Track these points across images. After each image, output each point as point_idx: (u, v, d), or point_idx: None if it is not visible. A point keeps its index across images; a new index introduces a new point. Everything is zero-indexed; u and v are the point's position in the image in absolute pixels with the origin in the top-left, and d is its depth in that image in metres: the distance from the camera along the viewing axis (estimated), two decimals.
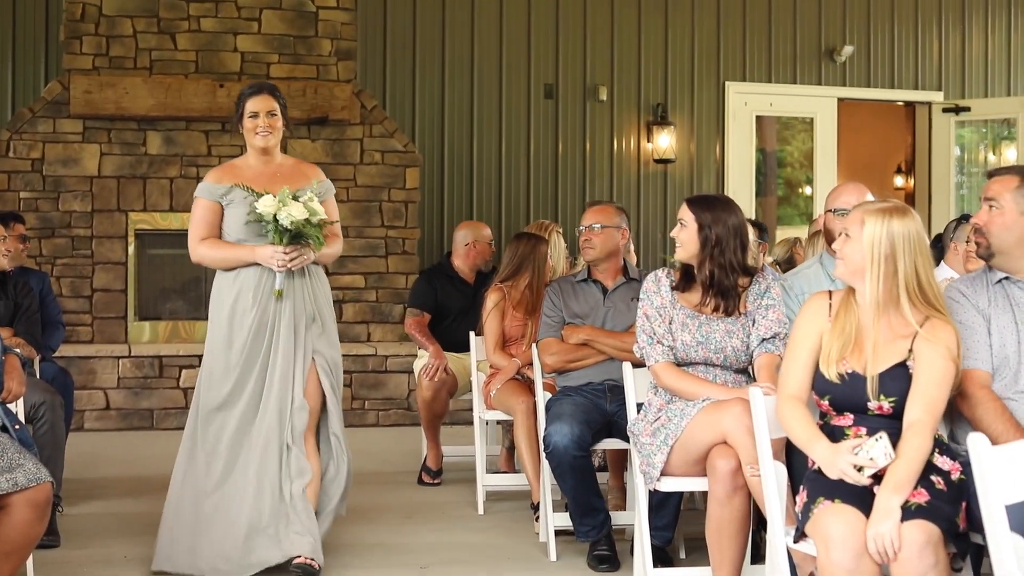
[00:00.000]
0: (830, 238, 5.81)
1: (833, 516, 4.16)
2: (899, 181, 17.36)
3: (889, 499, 4.13)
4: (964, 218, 7.76)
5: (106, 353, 10.73)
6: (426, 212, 12.47)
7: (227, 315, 6.02)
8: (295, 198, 5.89)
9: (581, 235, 6.71)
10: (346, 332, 10.45)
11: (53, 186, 11.14)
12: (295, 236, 5.90)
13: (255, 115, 6.06)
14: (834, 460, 4.26)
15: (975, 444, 3.79)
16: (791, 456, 4.80)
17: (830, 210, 5.95)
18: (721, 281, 5.43)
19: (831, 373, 4.45)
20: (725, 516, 5.11)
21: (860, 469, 4.19)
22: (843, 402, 4.45)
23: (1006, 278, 4.70)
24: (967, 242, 5.47)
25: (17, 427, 5.05)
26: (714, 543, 5.16)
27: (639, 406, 5.64)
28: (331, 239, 6.18)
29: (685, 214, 5.48)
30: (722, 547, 5.14)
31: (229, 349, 5.98)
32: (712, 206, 5.49)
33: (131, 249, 11.22)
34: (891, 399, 4.37)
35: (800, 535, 4.39)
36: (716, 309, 5.45)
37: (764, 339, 5.40)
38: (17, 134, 11.08)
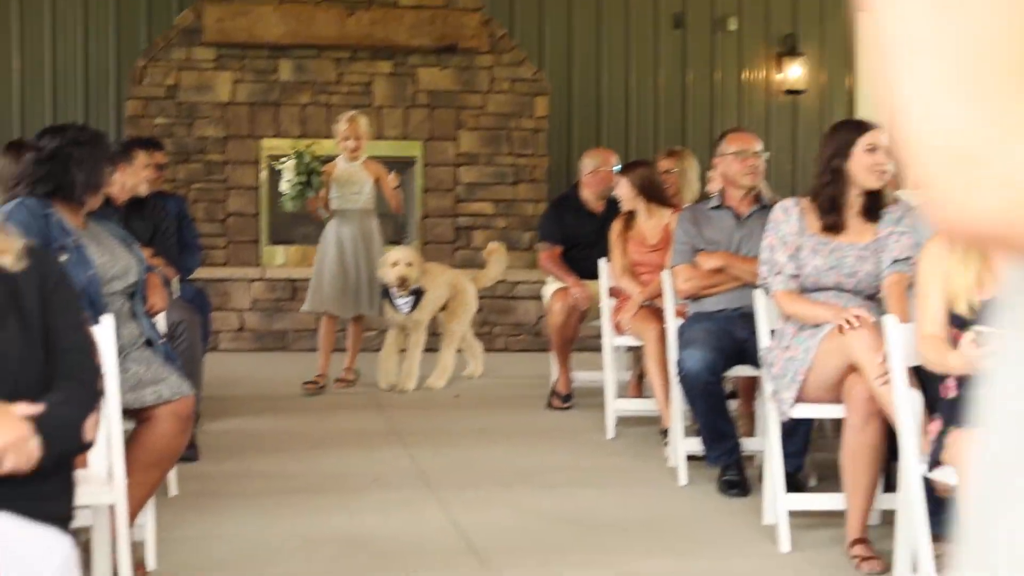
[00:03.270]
0: None
1: (971, 440, 4.12)
2: None
3: None
4: None
5: (240, 276, 10.92)
6: (554, 141, 12.45)
7: None
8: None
9: (744, 160, 6.64)
10: (475, 258, 10.51)
11: (187, 113, 11.31)
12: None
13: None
14: (963, 353, 4.22)
15: None
16: (923, 386, 4.77)
17: None
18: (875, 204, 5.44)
19: (962, 307, 4.40)
20: (860, 443, 5.09)
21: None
22: None
23: None
24: None
25: (162, 342, 5.16)
26: (848, 470, 5.15)
27: (772, 332, 5.63)
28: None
29: (880, 137, 5.43)
30: (856, 474, 5.12)
31: None
32: None
33: (263, 175, 11.36)
34: None
35: (934, 463, 4.36)
36: (867, 227, 5.44)
37: (896, 260, 5.36)
38: (152, 62, 11.25)
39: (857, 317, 5.09)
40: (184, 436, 4.90)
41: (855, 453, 5.11)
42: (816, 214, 5.54)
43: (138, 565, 4.72)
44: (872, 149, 5.40)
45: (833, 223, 5.48)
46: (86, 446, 2.99)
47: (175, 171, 11.13)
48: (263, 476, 6.43)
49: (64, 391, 2.95)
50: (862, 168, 5.41)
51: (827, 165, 5.47)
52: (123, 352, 4.86)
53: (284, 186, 8.76)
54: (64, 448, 2.91)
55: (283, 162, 8.83)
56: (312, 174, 8.69)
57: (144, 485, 4.76)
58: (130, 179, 6.92)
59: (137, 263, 5.17)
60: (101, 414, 3.10)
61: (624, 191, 7.60)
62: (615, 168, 8.50)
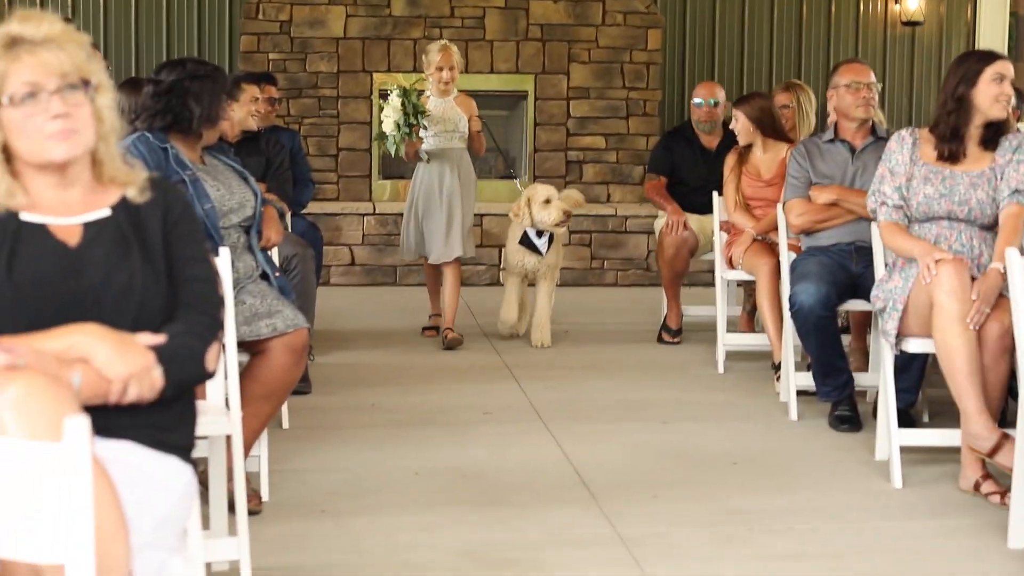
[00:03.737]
0: None
1: None
2: None
3: None
4: None
5: (351, 211, 10.99)
6: (666, 75, 12.34)
7: None
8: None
9: (858, 92, 6.56)
10: (586, 192, 10.44)
11: (300, 47, 11.36)
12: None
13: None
14: None
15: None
16: None
17: None
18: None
19: None
20: (990, 381, 5.05)
21: None
22: None
23: None
24: None
25: (277, 275, 5.22)
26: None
27: (887, 266, 5.57)
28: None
29: (1007, 68, 5.37)
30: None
31: None
32: None
33: (375, 110, 11.40)
34: None
35: None
36: (983, 155, 5.37)
37: (1016, 191, 5.28)
38: None
39: (939, 262, 5.05)
40: (298, 369, 4.95)
41: (996, 355, 5.07)
42: (933, 143, 5.48)
43: (252, 496, 4.80)
44: (999, 79, 5.34)
45: (952, 152, 5.42)
46: (208, 376, 3.03)
47: (288, 106, 11.20)
48: (374, 409, 6.50)
49: (186, 321, 2.99)
50: (988, 97, 5.35)
51: (952, 93, 5.41)
52: (239, 285, 4.93)
53: (388, 126, 8.00)
54: (186, 377, 2.96)
55: (389, 101, 8.03)
56: (420, 115, 7.96)
57: (258, 417, 4.83)
58: (237, 113, 6.98)
59: (253, 197, 5.22)
60: (221, 345, 3.14)
61: (741, 124, 7.52)
62: (714, 101, 8.43)
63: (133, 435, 2.90)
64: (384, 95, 8.10)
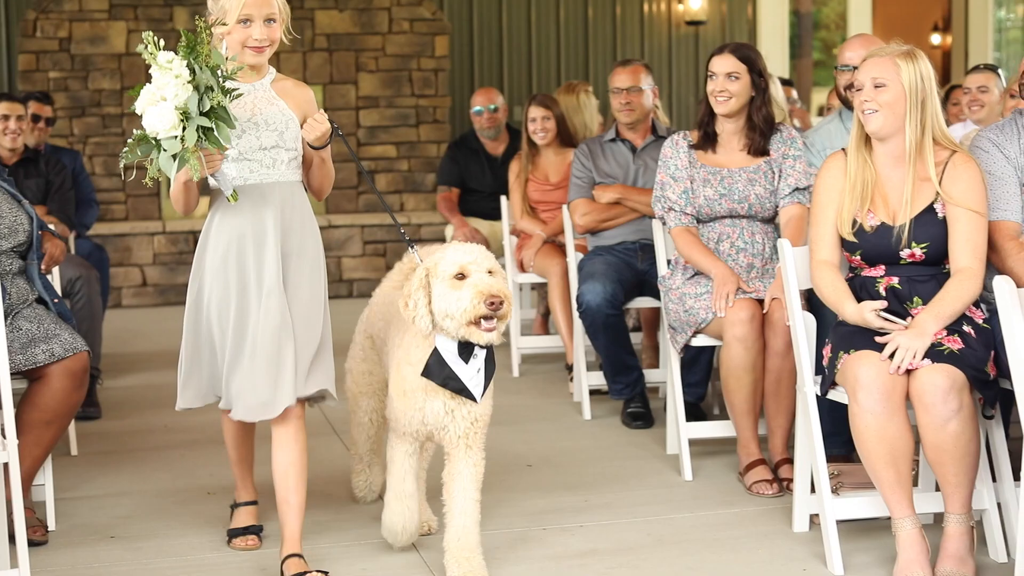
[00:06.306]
0: (840, 94, 5.75)
1: (860, 363, 4.18)
2: (935, 39, 17.15)
3: (927, 321, 4.18)
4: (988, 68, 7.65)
5: (141, 230, 10.80)
6: (455, 80, 12.39)
7: None
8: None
9: (618, 96, 6.63)
10: (379, 203, 10.44)
11: (82, 65, 11.13)
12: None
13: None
14: (861, 313, 4.29)
15: (1001, 286, 3.79)
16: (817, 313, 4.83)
17: (837, 67, 5.86)
18: (767, 121, 5.46)
19: (846, 230, 4.43)
20: (782, 368, 5.18)
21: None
22: (874, 254, 4.43)
23: None
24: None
25: (56, 300, 5.10)
26: (771, 395, 5.23)
27: (669, 263, 5.65)
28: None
29: (735, 65, 5.42)
30: (779, 398, 5.22)
31: None
32: (750, 50, 5.51)
33: None
34: (923, 245, 4.35)
35: (829, 385, 4.42)
36: (752, 151, 5.44)
37: (795, 189, 5.39)
38: (43, 14, 11.05)
39: (736, 301, 5.20)
40: (79, 393, 4.86)
41: (778, 379, 5.17)
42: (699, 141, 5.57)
43: (37, 526, 4.70)
44: (712, 76, 5.45)
45: (707, 142, 5.50)
46: None
47: (71, 125, 10.97)
48: (166, 431, 6.38)
49: None
50: (710, 93, 5.46)
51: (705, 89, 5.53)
52: (12, 311, 4.81)
53: (165, 121, 3.92)
54: None
55: (160, 73, 3.95)
56: (225, 92, 4.01)
57: (40, 444, 4.73)
58: None
59: (27, 220, 5.09)
60: None
61: (551, 123, 7.48)
62: (493, 107, 8.47)
63: None
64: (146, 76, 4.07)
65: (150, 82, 3.98)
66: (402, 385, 4.30)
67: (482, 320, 4.06)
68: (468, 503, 4.33)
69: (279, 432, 4.33)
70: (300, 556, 4.29)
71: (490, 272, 4.14)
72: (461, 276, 4.10)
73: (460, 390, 4.21)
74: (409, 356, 4.28)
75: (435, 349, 4.19)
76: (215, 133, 3.98)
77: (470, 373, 4.21)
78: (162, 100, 3.94)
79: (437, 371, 4.19)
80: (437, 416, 4.27)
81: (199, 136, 3.95)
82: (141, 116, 4.00)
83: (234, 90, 4.10)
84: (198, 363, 4.51)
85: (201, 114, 3.95)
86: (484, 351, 4.21)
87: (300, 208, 4.38)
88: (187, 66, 3.95)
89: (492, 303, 4.04)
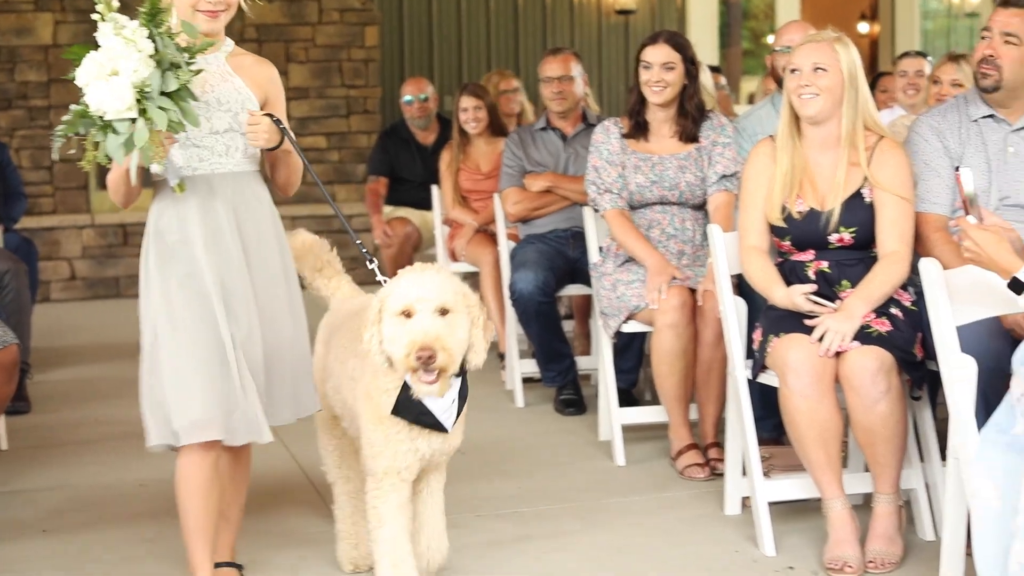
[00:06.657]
0: (777, 77, 5.76)
1: (789, 346, 4.22)
2: (863, 27, 17.29)
3: (855, 304, 4.22)
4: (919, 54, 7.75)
5: (69, 223, 10.70)
6: (386, 71, 12.36)
7: None
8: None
9: (549, 85, 6.64)
10: (310, 193, 10.39)
11: (7, 57, 11.00)
12: None
13: None
14: (791, 297, 4.33)
15: (927, 269, 3.83)
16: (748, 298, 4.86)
17: (775, 49, 5.88)
18: (698, 108, 5.48)
19: (775, 216, 4.47)
20: (713, 356, 5.24)
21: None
22: (803, 239, 4.47)
23: (989, 116, 4.58)
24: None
25: None
26: (702, 381, 5.28)
27: (600, 249, 5.67)
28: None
29: (670, 55, 5.44)
30: (710, 383, 5.28)
31: None
32: (682, 38, 5.54)
33: None
34: (852, 229, 4.39)
35: (760, 369, 4.45)
36: (683, 138, 5.46)
37: (723, 176, 5.42)
38: None
39: (667, 284, 5.23)
40: (9, 387, 4.82)
41: (709, 368, 5.22)
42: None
43: None
44: (647, 66, 5.46)
45: (638, 131, 5.52)
46: None
47: None
48: (97, 424, 6.35)
49: None
50: (643, 83, 5.47)
51: (635, 78, 5.53)
52: None
53: (121, 100, 3.40)
54: None
55: (118, 42, 3.42)
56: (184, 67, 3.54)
57: None
58: None
59: None
60: None
61: (483, 113, 7.46)
62: (423, 96, 8.46)
63: None
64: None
65: (96, 48, 3.42)
66: (377, 412, 3.77)
67: (421, 371, 3.57)
68: (432, 513, 4.03)
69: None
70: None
71: (443, 311, 3.60)
72: (407, 314, 3.62)
73: (433, 425, 3.76)
74: (379, 382, 3.76)
75: (404, 383, 3.68)
76: (178, 116, 3.45)
77: (444, 405, 3.74)
78: (114, 74, 3.38)
79: (407, 408, 3.70)
80: (412, 447, 3.79)
81: (169, 121, 3.42)
82: (82, 89, 3.43)
83: (199, 70, 3.56)
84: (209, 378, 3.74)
85: (162, 94, 3.42)
86: (459, 379, 3.75)
87: (257, 202, 3.85)
88: (148, 37, 3.42)
89: (420, 357, 3.54)
